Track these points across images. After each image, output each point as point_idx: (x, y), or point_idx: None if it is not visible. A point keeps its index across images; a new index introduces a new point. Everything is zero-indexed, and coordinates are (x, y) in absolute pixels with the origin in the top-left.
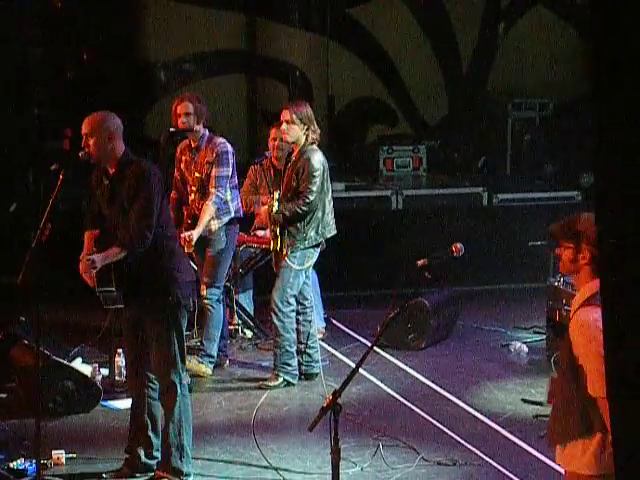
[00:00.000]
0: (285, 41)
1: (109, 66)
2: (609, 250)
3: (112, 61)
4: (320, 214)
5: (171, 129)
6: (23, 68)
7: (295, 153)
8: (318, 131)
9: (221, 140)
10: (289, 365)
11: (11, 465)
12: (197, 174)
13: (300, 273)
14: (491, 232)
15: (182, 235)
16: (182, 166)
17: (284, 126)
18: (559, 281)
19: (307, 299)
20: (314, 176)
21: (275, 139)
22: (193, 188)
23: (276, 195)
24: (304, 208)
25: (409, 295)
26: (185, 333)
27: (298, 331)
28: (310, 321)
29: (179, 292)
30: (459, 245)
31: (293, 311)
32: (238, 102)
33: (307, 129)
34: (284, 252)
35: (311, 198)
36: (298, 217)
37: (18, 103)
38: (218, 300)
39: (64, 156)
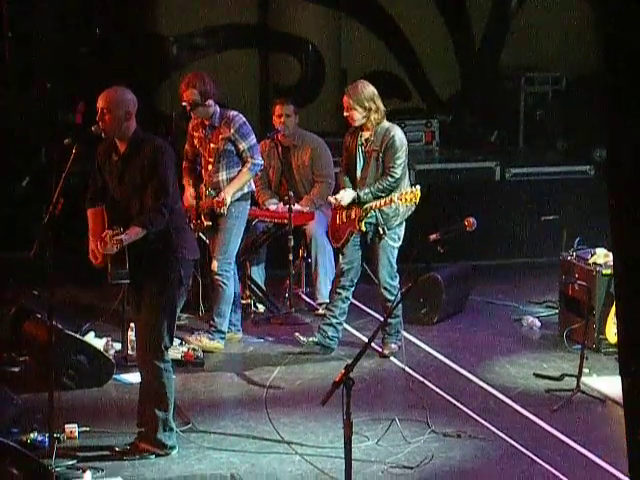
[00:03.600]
0: (297, 15)
1: (121, 40)
2: (621, 225)
3: (124, 35)
4: (407, 188)
5: (184, 103)
6: (37, 42)
7: (368, 133)
8: (382, 108)
9: (233, 113)
10: (399, 332)
11: (24, 439)
12: (213, 144)
13: (397, 249)
14: (504, 206)
15: (215, 199)
16: (195, 142)
17: (346, 114)
18: (572, 255)
19: (354, 280)
20: (401, 150)
21: (281, 116)
22: (210, 159)
23: (348, 182)
24: (394, 184)
25: (422, 270)
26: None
27: (336, 305)
28: (350, 300)
29: (182, 270)
30: (472, 219)
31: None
32: (250, 76)
33: (368, 110)
34: (380, 231)
35: (399, 173)
36: (385, 193)
37: (31, 77)
38: (230, 276)
39: (77, 130)
